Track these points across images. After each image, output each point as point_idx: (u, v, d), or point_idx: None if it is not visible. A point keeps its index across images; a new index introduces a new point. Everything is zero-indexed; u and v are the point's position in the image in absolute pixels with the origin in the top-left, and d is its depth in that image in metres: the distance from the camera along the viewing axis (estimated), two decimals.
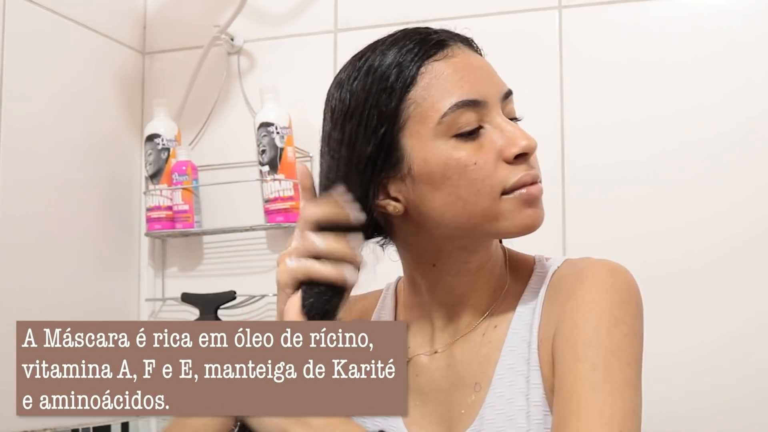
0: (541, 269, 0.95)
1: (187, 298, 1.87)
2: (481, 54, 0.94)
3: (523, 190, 0.87)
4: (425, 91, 0.87)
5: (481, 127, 0.87)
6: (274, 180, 1.79)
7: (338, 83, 0.91)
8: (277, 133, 1.79)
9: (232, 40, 1.93)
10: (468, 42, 0.93)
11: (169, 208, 1.88)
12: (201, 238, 1.96)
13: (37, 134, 1.71)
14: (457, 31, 0.94)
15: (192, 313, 1.87)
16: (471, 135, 0.87)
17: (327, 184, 0.90)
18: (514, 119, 0.91)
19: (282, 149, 1.79)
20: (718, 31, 1.66)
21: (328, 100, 0.93)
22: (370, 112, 0.87)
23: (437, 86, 0.87)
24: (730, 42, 1.65)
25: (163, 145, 1.88)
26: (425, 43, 0.89)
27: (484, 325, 0.94)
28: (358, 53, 0.92)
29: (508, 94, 0.91)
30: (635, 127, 1.68)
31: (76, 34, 1.82)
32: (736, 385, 1.57)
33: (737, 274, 1.60)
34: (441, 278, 0.94)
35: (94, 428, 1.81)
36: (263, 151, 1.80)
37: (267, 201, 1.81)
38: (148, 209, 1.90)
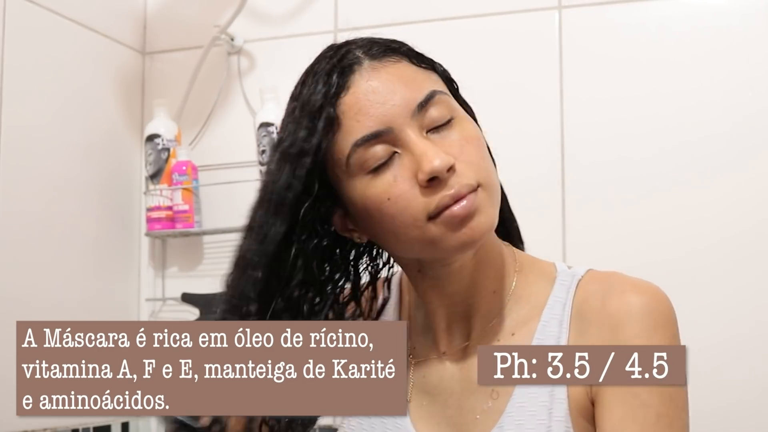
0: (564, 278, 0.91)
1: (187, 298, 1.87)
2: (399, 51, 0.87)
3: (448, 212, 0.82)
4: (333, 134, 0.85)
5: (395, 152, 0.84)
6: None
7: (283, 116, 0.91)
8: (278, 133, 1.79)
9: (232, 40, 1.93)
10: (377, 50, 0.87)
11: (170, 208, 1.88)
12: (201, 238, 1.96)
13: (38, 134, 1.71)
14: (375, 36, 0.88)
15: (192, 313, 1.87)
16: (383, 167, 0.84)
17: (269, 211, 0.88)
18: (446, 124, 0.85)
19: None
20: (717, 30, 1.66)
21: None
22: (299, 150, 0.86)
23: (340, 126, 0.85)
24: (729, 41, 1.65)
25: (163, 145, 1.88)
26: (331, 80, 0.85)
27: (498, 330, 0.91)
28: (298, 81, 0.90)
29: (426, 100, 0.84)
30: (635, 125, 1.68)
31: (76, 34, 1.82)
32: (740, 387, 1.57)
33: (738, 271, 1.60)
34: (430, 282, 0.92)
35: (94, 428, 1.81)
36: (263, 151, 1.80)
37: None
38: (148, 209, 1.90)
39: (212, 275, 1.94)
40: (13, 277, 1.64)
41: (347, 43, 0.89)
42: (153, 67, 2.03)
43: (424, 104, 0.84)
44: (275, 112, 1.81)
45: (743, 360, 1.57)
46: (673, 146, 1.66)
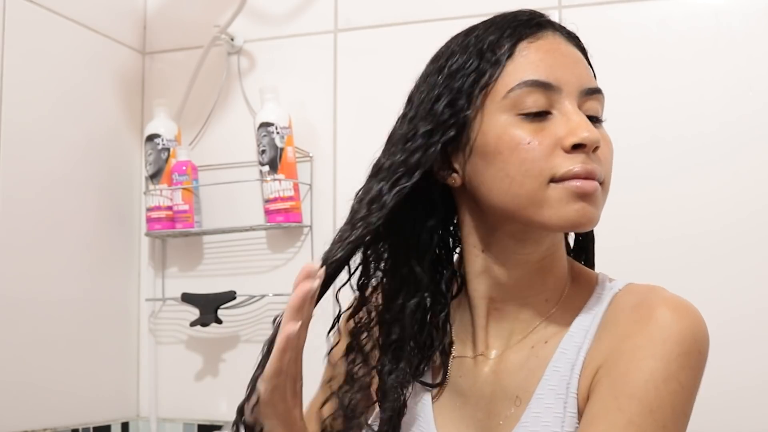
0: (601, 290, 0.91)
1: (187, 298, 1.87)
2: (582, 50, 0.93)
3: (574, 182, 0.84)
4: (502, 68, 0.87)
5: (548, 112, 0.86)
6: (274, 180, 1.79)
7: (445, 46, 0.94)
8: (277, 133, 1.79)
9: (232, 40, 1.93)
10: (568, 33, 0.93)
11: (169, 208, 1.88)
12: (201, 238, 1.96)
13: (38, 134, 1.71)
14: (564, 23, 0.94)
15: (192, 313, 1.87)
16: (535, 117, 0.86)
17: (402, 140, 0.91)
18: (594, 118, 0.88)
19: (282, 149, 1.79)
20: (717, 30, 1.66)
21: (431, 59, 0.95)
22: (454, 78, 0.89)
23: (514, 64, 0.87)
24: (729, 40, 1.65)
25: (163, 145, 1.88)
26: (522, 26, 0.90)
27: (536, 337, 0.91)
28: (472, 26, 0.94)
29: (593, 90, 0.89)
30: (635, 124, 1.68)
31: (76, 34, 1.82)
32: (738, 376, 1.57)
33: (734, 264, 1.60)
34: (488, 267, 0.92)
35: (94, 428, 1.81)
36: (263, 151, 1.80)
37: (267, 201, 1.81)
38: (148, 209, 1.90)
39: (212, 275, 1.94)
40: (13, 276, 1.64)
41: (533, 12, 0.93)
42: (153, 67, 2.03)
43: (592, 92, 0.89)
44: (275, 112, 1.81)
45: (738, 350, 1.57)
46: (674, 145, 1.66)
